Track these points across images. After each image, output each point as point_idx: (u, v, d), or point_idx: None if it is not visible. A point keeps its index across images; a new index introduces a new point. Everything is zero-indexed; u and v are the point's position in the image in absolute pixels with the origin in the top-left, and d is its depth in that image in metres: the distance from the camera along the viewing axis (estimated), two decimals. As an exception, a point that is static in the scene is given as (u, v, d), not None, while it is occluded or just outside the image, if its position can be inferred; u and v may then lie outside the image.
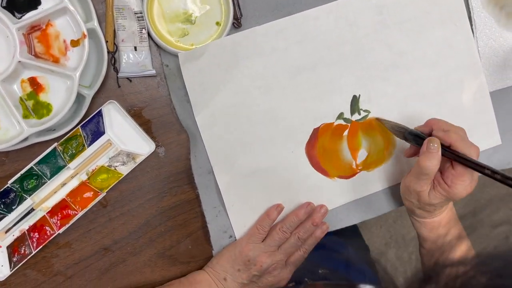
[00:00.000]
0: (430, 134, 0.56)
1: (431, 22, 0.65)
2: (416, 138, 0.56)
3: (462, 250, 0.58)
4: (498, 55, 0.68)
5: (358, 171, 0.66)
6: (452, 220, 0.61)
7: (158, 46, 0.58)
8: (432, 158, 0.51)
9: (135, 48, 0.57)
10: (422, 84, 0.65)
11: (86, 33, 0.52)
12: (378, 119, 0.64)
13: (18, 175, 0.56)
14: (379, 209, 0.67)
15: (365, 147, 0.65)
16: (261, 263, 0.60)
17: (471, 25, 0.66)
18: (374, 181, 0.66)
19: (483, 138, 0.68)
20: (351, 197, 0.66)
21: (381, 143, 0.66)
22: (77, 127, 0.57)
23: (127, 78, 0.59)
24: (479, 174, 0.52)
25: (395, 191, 0.67)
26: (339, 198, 0.66)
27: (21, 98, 0.54)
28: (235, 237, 0.63)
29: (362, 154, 0.65)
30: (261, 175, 0.63)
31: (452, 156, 0.52)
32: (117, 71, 0.58)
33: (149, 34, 0.57)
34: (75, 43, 0.53)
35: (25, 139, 0.54)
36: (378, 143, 0.66)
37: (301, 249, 0.63)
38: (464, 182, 0.53)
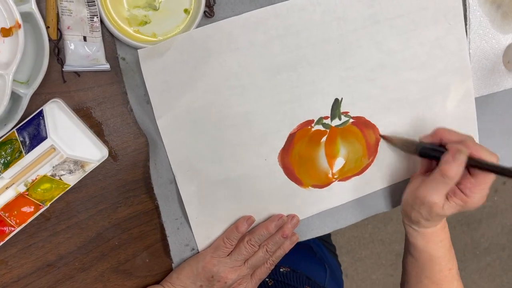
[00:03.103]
0: (440, 145, 0.54)
1: (425, 20, 0.59)
2: (433, 151, 0.54)
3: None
4: (488, 58, 0.63)
5: (334, 180, 0.61)
6: (446, 226, 0.59)
7: (112, 35, 0.48)
8: (459, 167, 0.50)
9: (85, 39, 0.47)
10: (409, 88, 0.60)
11: (20, 21, 0.41)
12: (383, 137, 0.60)
13: None
14: (352, 218, 0.64)
15: (343, 154, 0.60)
16: (225, 279, 0.55)
17: (466, 24, 0.61)
18: (349, 191, 0.62)
19: (463, 147, 0.65)
20: (324, 206, 0.62)
21: (360, 151, 0.61)
22: (12, 130, 0.47)
23: (75, 72, 0.49)
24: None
25: (368, 200, 0.63)
26: (311, 208, 0.61)
27: None
28: (197, 250, 0.57)
29: (339, 162, 0.60)
30: (230, 184, 0.57)
31: (479, 164, 0.50)
32: (61, 64, 0.48)
33: (101, 21, 0.46)
34: (6, 32, 0.42)
35: None
36: (356, 151, 0.61)
37: (268, 262, 0.59)
38: (483, 191, 0.52)
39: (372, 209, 0.64)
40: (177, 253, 0.57)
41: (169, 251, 0.56)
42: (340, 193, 0.62)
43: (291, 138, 0.58)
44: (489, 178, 0.51)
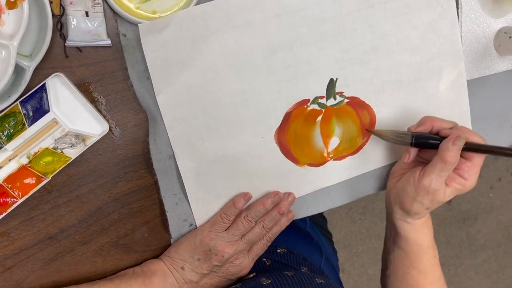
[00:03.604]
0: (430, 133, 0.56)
1: (418, 3, 0.60)
2: (429, 140, 0.55)
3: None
4: (479, 42, 0.65)
5: (329, 159, 0.62)
6: (429, 214, 0.61)
7: (114, 11, 0.50)
8: (458, 153, 0.52)
9: (87, 14, 0.48)
10: (402, 70, 0.61)
11: (25, -7, 0.43)
12: (372, 132, 0.61)
13: None
14: (347, 197, 0.65)
15: (338, 134, 0.62)
16: (222, 252, 0.56)
17: (457, 8, 0.62)
18: (344, 170, 0.63)
19: (455, 128, 0.66)
20: (319, 185, 0.63)
21: (354, 131, 0.62)
22: (16, 103, 0.49)
23: (77, 47, 0.50)
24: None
25: (363, 180, 0.65)
26: (307, 186, 0.63)
27: None
28: (195, 226, 0.59)
29: (334, 142, 0.62)
30: (227, 161, 0.58)
31: (476, 147, 0.53)
32: (64, 39, 0.49)
33: (103, -2, 0.48)
34: (11, 4, 0.44)
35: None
36: (351, 131, 0.62)
37: (265, 238, 0.60)
38: (477, 173, 0.54)
39: (365, 189, 0.66)
40: (175, 228, 0.58)
41: (167, 226, 0.58)
42: (335, 172, 0.63)
43: (288, 116, 0.59)
44: (482, 159, 0.54)
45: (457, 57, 0.64)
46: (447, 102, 0.65)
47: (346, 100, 0.61)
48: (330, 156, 0.62)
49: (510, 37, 0.63)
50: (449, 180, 0.54)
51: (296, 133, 0.60)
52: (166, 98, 0.54)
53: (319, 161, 0.62)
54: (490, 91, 0.68)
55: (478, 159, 0.54)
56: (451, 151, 0.52)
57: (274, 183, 0.61)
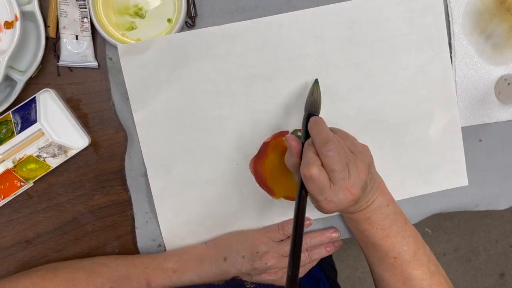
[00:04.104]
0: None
1: (407, 45, 0.60)
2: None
3: None
4: (477, 88, 0.63)
5: (307, 194, 0.61)
6: (382, 209, 0.54)
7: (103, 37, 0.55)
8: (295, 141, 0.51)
9: (76, 37, 0.54)
10: (387, 111, 0.61)
11: (18, 15, 0.49)
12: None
13: None
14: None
15: (317, 169, 0.61)
16: (266, 260, 0.57)
17: (451, 53, 0.61)
18: (323, 206, 0.62)
19: (449, 177, 0.63)
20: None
21: (335, 168, 0.61)
22: (8, 112, 0.55)
23: (68, 67, 0.56)
24: None
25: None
26: (281, 219, 0.62)
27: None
28: (164, 247, 0.60)
29: (312, 177, 0.61)
30: (200, 185, 0.59)
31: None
32: (57, 59, 0.55)
33: (93, 25, 0.53)
34: (9, 25, 0.50)
35: None
36: (331, 167, 0.61)
37: (305, 266, 0.61)
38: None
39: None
40: (144, 246, 0.59)
41: (136, 243, 0.59)
42: (313, 208, 0.62)
43: (265, 146, 0.60)
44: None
45: (450, 101, 0.62)
46: (439, 147, 0.62)
47: (327, 136, 0.60)
48: (309, 191, 0.61)
49: (509, 84, 0.60)
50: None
51: (273, 164, 0.60)
52: (143, 116, 0.57)
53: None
54: (492, 141, 0.64)
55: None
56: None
57: (247, 213, 0.61)
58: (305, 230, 0.61)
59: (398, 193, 0.62)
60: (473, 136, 0.63)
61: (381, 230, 0.53)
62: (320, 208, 0.49)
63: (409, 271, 0.54)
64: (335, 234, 0.61)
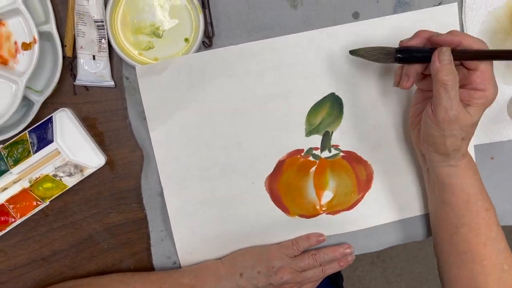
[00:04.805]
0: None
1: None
2: (412, 53, 0.50)
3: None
4: (490, 107, 0.62)
5: (322, 212, 0.62)
6: (472, 158, 0.56)
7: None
8: (451, 69, 0.46)
9: (94, 57, 0.53)
10: (402, 130, 0.61)
11: (37, 37, 0.49)
12: (354, 52, 0.53)
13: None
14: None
15: (332, 188, 0.61)
16: (282, 275, 0.57)
17: (466, 71, 0.61)
18: (338, 224, 0.62)
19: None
20: (309, 237, 0.62)
21: (349, 186, 0.61)
22: (25, 132, 0.54)
23: (84, 86, 0.55)
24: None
25: (358, 235, 0.63)
26: (296, 236, 0.62)
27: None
28: (179, 264, 0.60)
29: (327, 195, 0.61)
30: (215, 203, 0.60)
31: (475, 54, 0.48)
32: (74, 78, 0.55)
33: (110, 44, 0.53)
34: (26, 46, 0.50)
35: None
36: (346, 185, 0.61)
37: (313, 282, 0.62)
38: (493, 80, 0.49)
39: (364, 247, 0.64)
40: (159, 264, 0.60)
41: (152, 260, 0.59)
42: (328, 226, 0.62)
43: (280, 165, 0.60)
44: (490, 64, 0.49)
45: (464, 119, 0.62)
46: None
47: (342, 154, 0.61)
48: (323, 209, 0.62)
49: (522, 103, 0.61)
50: (467, 97, 0.48)
51: (288, 182, 0.61)
52: (160, 135, 0.57)
53: (311, 213, 0.62)
54: (506, 159, 0.64)
55: (485, 66, 0.48)
56: (442, 70, 0.46)
57: (262, 230, 0.61)
58: (318, 246, 0.61)
59: (413, 208, 0.63)
60: (485, 153, 0.64)
61: (479, 175, 0.55)
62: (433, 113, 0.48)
63: (496, 232, 0.54)
64: (348, 250, 0.62)
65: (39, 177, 0.55)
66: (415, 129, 0.55)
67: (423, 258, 1.58)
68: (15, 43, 0.50)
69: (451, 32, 0.49)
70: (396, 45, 0.52)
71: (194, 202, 0.59)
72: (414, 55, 0.50)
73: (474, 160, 0.55)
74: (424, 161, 0.57)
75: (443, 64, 0.47)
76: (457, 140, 0.50)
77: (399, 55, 0.50)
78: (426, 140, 0.52)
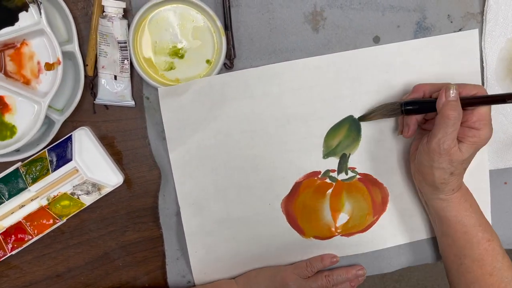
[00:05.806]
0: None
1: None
2: (418, 105, 0.54)
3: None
4: (506, 132, 0.63)
5: (337, 234, 0.62)
6: (468, 190, 0.58)
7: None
8: (456, 103, 0.50)
9: (115, 77, 0.53)
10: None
11: (61, 59, 0.48)
12: (365, 118, 0.59)
13: (-24, 190, 0.54)
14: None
15: (348, 210, 0.61)
16: None
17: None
18: (351, 246, 0.63)
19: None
20: (323, 258, 0.63)
21: (365, 208, 0.62)
22: (44, 150, 0.54)
23: (104, 105, 0.55)
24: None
25: (369, 256, 0.63)
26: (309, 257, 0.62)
27: (-15, 115, 0.51)
28: (193, 283, 0.60)
29: (343, 218, 0.62)
30: (232, 224, 0.60)
31: (474, 100, 0.51)
32: (94, 97, 0.55)
33: (131, 63, 0.53)
34: (49, 66, 0.50)
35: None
36: (361, 207, 0.62)
37: None
38: (489, 121, 0.52)
39: (375, 268, 0.64)
40: (173, 282, 0.60)
41: (166, 278, 0.59)
42: (341, 247, 0.63)
43: (297, 186, 0.60)
44: (488, 109, 0.52)
45: (480, 145, 0.62)
46: (466, 189, 0.63)
47: (358, 176, 0.61)
48: (338, 231, 0.62)
49: (538, 130, 0.61)
50: (461, 135, 0.51)
51: (304, 203, 0.61)
52: (179, 156, 0.57)
53: (325, 235, 0.62)
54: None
55: (484, 110, 0.51)
56: (447, 105, 0.49)
57: (277, 251, 0.61)
58: (331, 267, 0.61)
59: (425, 231, 0.63)
60: (499, 178, 0.64)
61: (476, 206, 0.57)
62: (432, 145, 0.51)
63: (502, 261, 0.55)
64: (361, 272, 0.62)
65: (57, 195, 0.55)
66: (414, 161, 0.57)
67: (421, 265, 1.59)
68: (38, 63, 0.50)
69: (449, 86, 0.51)
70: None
71: (210, 222, 0.59)
72: (420, 106, 0.54)
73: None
74: (420, 192, 0.59)
75: (449, 100, 0.50)
76: (445, 173, 0.52)
77: (408, 107, 0.54)
78: (418, 169, 0.55)
